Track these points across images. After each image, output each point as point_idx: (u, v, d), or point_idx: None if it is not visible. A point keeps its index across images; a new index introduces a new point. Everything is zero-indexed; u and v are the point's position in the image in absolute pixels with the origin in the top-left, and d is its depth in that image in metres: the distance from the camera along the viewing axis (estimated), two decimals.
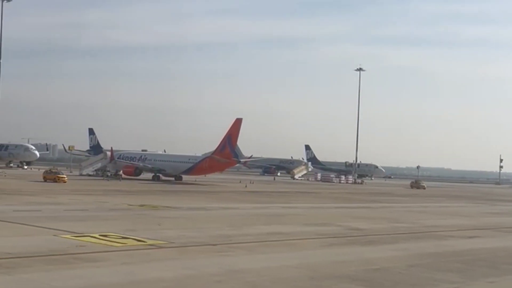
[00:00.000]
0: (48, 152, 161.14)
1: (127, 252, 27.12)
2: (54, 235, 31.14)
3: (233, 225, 40.06)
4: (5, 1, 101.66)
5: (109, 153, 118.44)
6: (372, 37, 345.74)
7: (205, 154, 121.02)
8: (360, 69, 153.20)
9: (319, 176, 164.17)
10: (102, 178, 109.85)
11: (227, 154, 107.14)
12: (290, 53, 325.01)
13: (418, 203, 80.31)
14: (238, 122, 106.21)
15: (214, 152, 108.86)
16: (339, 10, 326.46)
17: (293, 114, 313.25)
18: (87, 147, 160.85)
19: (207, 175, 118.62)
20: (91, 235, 31.47)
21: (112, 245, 28.61)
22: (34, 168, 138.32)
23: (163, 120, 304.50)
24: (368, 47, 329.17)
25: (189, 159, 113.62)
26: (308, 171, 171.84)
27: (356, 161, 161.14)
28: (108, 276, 21.75)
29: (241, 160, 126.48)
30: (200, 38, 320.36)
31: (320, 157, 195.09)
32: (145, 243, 29.85)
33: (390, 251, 31.33)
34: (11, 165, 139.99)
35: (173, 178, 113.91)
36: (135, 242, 29.98)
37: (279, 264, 26.01)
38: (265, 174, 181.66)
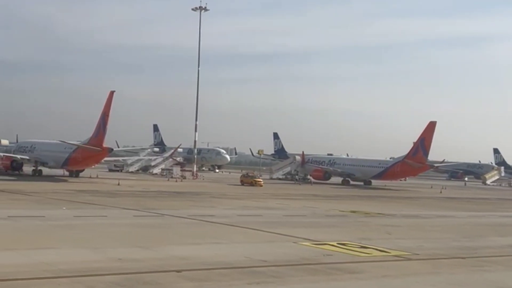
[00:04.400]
0: (236, 156, 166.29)
1: (379, 264, 26.08)
2: (294, 242, 30.97)
3: (466, 236, 37.79)
4: (203, 10, 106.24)
5: (297, 157, 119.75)
6: None
7: (393, 158, 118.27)
8: None
9: None
10: (293, 182, 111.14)
11: (420, 158, 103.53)
12: (467, 53, 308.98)
13: None
14: (431, 126, 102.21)
15: (406, 156, 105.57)
16: None
17: (479, 116, 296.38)
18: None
19: (393, 180, 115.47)
20: (329, 243, 30.91)
21: (357, 255, 27.75)
22: (225, 172, 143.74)
23: (341, 123, 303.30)
24: None
25: (380, 164, 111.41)
26: (501, 176, 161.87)
27: None
28: None
29: (434, 164, 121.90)
30: (372, 40, 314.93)
31: (509, 160, 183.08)
32: (389, 254, 28.66)
33: None
34: (203, 168, 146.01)
35: (361, 183, 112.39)
36: (378, 253, 28.90)
37: None
38: (452, 179, 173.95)
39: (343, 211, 52.25)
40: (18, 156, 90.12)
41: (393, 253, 28.89)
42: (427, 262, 27.17)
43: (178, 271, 22.16)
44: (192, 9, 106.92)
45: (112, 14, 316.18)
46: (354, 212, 51.66)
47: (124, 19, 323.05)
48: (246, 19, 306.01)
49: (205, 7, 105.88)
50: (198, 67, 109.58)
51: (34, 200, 50.60)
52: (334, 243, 30.80)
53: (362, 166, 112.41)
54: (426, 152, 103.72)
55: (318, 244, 30.61)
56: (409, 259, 27.51)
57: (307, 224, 40.74)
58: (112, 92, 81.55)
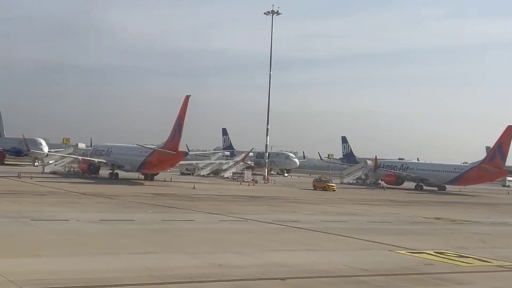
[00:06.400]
0: (305, 159, 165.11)
1: (484, 274, 25.18)
2: (390, 250, 30.26)
3: None
4: (274, 14, 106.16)
5: (368, 162, 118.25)
6: None
7: (466, 163, 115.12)
8: None
9: None
10: (364, 186, 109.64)
11: (497, 163, 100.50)
12: None
13: None
14: (510, 130, 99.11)
15: (483, 161, 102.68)
16: None
17: None
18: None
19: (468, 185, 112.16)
20: (426, 251, 30.06)
21: (459, 265, 26.82)
22: (294, 176, 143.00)
23: (409, 127, 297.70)
24: None
25: (455, 169, 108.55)
26: None
27: None
28: None
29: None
30: (440, 41, 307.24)
31: None
32: (491, 264, 27.68)
33: None
34: (272, 172, 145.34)
35: (435, 188, 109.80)
36: (480, 262, 27.92)
37: None
38: None
39: (427, 217, 51.04)
40: (96, 160, 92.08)
41: (495, 263, 27.91)
42: None
43: (282, 279, 21.85)
44: (264, 13, 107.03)
45: (182, 19, 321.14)
46: (438, 219, 50.37)
47: (194, 23, 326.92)
48: (312, 22, 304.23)
49: (277, 11, 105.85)
50: (270, 71, 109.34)
51: (117, 203, 51.35)
52: (431, 252, 29.95)
53: (437, 171, 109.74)
54: (504, 157, 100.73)
55: (414, 252, 29.80)
56: None
57: (395, 231, 39.85)
58: (187, 97, 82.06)
